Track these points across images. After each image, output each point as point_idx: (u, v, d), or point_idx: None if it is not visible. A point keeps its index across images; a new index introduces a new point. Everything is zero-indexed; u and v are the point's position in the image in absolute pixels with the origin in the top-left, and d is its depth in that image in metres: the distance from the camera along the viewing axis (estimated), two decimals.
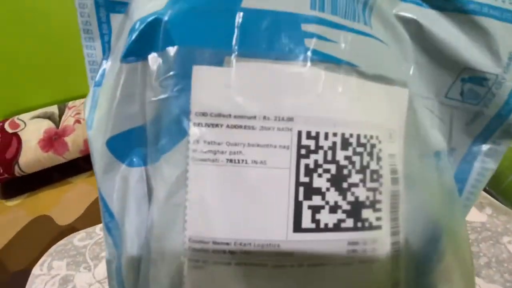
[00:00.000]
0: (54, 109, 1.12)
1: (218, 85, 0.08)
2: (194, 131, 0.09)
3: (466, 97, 0.10)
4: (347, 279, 0.08)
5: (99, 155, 0.11)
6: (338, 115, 0.08)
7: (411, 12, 0.09)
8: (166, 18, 0.09)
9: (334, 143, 0.08)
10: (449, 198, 0.11)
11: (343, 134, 0.08)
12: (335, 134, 0.08)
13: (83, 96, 1.18)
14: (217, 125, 0.08)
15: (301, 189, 0.08)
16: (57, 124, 1.07)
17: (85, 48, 0.11)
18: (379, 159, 0.09)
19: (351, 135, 0.08)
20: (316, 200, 0.08)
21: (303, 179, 0.08)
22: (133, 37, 0.09)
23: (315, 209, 0.08)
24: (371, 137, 0.09)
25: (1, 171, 0.99)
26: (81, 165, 1.08)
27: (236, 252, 0.08)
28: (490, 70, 0.09)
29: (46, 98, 1.15)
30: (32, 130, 1.03)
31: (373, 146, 0.09)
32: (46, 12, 1.06)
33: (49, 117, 1.09)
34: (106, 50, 0.11)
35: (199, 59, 0.08)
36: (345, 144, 0.08)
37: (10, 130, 1.05)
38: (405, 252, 0.09)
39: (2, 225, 0.98)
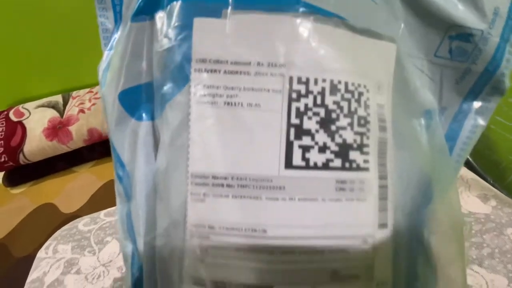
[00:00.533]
0: (58, 98, 1.13)
1: (217, 35, 0.09)
2: (195, 76, 0.09)
3: (455, 55, 0.10)
4: (336, 216, 0.09)
5: (111, 109, 0.12)
6: (327, 62, 0.09)
7: None
8: None
9: (323, 88, 0.09)
10: (440, 155, 0.11)
11: (331, 81, 0.09)
12: (324, 80, 0.09)
13: (87, 86, 1.18)
14: (215, 71, 0.09)
15: (292, 130, 0.09)
16: (61, 113, 1.07)
17: (99, 17, 0.11)
18: (366, 106, 0.09)
19: (339, 82, 0.09)
20: (306, 141, 0.09)
21: (294, 121, 0.09)
22: None
23: (305, 149, 0.09)
24: (359, 85, 0.09)
25: (6, 159, 1.00)
26: (85, 154, 1.09)
27: (233, 186, 0.09)
28: (476, 26, 0.10)
29: (50, 87, 1.15)
30: (36, 119, 1.04)
31: (360, 94, 0.09)
32: (52, 1, 1.05)
33: (53, 106, 1.10)
34: (118, 20, 0.11)
35: (200, 12, 0.09)
36: (334, 89, 0.09)
37: (14, 119, 1.05)
38: (392, 197, 0.10)
39: (7, 213, 0.99)
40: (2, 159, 1.00)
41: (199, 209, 0.09)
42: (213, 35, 0.09)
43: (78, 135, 1.02)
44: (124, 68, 0.10)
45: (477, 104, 0.11)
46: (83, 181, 1.02)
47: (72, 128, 1.02)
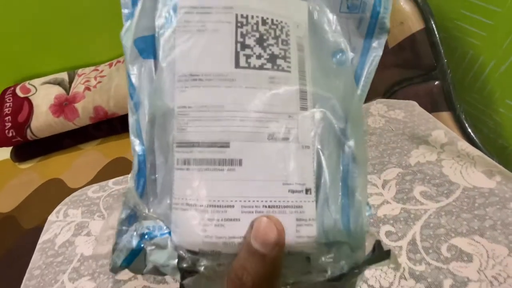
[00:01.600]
0: (64, 75, 1.13)
1: None
2: (179, 18, 0.15)
3: (351, 9, 0.15)
4: (268, 99, 0.14)
5: (129, 50, 0.16)
6: (259, 7, 0.14)
7: None
8: None
9: (257, 21, 0.14)
10: (349, 85, 0.16)
11: (262, 17, 0.14)
12: (257, 17, 0.14)
13: (93, 64, 1.17)
14: (191, 13, 0.14)
15: (239, 44, 0.14)
16: (67, 90, 1.08)
17: (122, 6, 0.16)
18: (287, 34, 0.14)
19: (267, 18, 0.14)
20: (248, 51, 0.14)
21: (239, 39, 0.14)
22: None
23: (247, 56, 0.14)
24: (281, 21, 0.14)
25: (14, 134, 1.01)
26: (91, 132, 1.10)
27: (202, 79, 0.14)
28: None
29: (56, 64, 1.15)
30: (43, 95, 1.04)
31: (283, 26, 0.14)
32: None
33: (59, 83, 1.10)
34: (136, 3, 0.16)
35: None
36: (264, 22, 0.14)
37: (21, 95, 1.06)
38: (311, 95, 0.15)
39: (15, 186, 1.02)
40: (10, 134, 1.01)
41: (182, 97, 0.14)
42: None
43: (84, 112, 1.02)
44: (139, 24, 0.15)
45: (373, 42, 0.16)
46: (90, 158, 1.04)
47: (78, 106, 1.03)
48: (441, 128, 0.44)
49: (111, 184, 0.47)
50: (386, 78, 0.71)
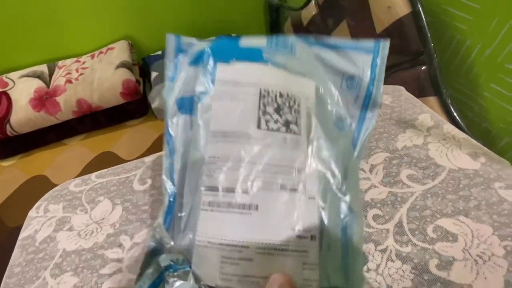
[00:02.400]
0: (43, 68, 1.08)
1: (228, 70, 0.20)
2: (216, 88, 0.19)
3: (350, 87, 0.19)
4: (281, 154, 0.17)
5: (170, 107, 0.20)
6: (277, 83, 0.18)
7: (315, 49, 0.20)
8: (208, 49, 0.20)
9: (276, 94, 0.18)
10: (347, 147, 0.19)
11: (279, 91, 0.18)
12: (276, 91, 0.18)
13: (73, 55, 1.13)
14: (226, 84, 0.19)
15: (261, 111, 0.18)
16: (47, 83, 1.03)
17: (166, 69, 0.21)
18: (299, 105, 0.18)
19: (283, 92, 0.18)
20: (267, 117, 0.18)
21: (262, 107, 0.18)
22: (194, 55, 0.20)
23: (267, 121, 0.18)
24: (294, 95, 0.18)
25: None
26: (75, 126, 1.06)
27: (230, 136, 0.17)
28: (355, 73, 0.19)
29: (34, 56, 1.09)
30: (21, 89, 1.00)
31: (295, 99, 0.18)
32: None
33: (38, 76, 1.05)
34: (178, 66, 0.21)
35: (219, 60, 0.20)
36: (281, 95, 0.18)
37: None
38: (315, 154, 0.18)
39: None
40: None
41: (213, 149, 0.17)
42: (227, 70, 0.19)
43: (66, 106, 0.98)
44: (182, 87, 0.20)
45: (367, 114, 0.20)
46: (75, 153, 1.01)
47: (60, 99, 0.99)
48: (427, 112, 0.44)
49: (94, 177, 0.46)
50: None
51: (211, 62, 0.19)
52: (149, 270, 0.17)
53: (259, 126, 0.17)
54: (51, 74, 1.06)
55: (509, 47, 0.55)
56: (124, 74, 0.98)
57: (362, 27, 0.71)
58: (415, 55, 0.60)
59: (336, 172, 0.18)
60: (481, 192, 0.33)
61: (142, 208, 0.40)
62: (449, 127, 0.42)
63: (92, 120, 1.05)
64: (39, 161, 1.03)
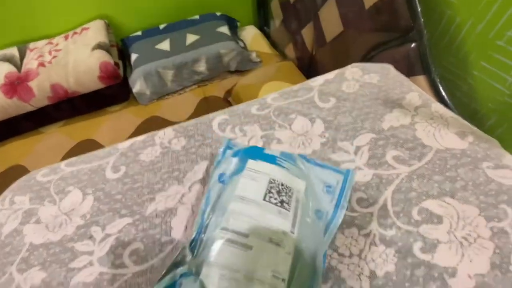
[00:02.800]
0: (13, 51, 1.00)
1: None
2: (248, 166, 0.31)
3: (328, 192, 0.30)
4: (275, 220, 0.27)
5: (214, 179, 0.32)
6: (281, 178, 0.29)
7: (308, 164, 0.33)
8: (243, 150, 0.35)
9: (279, 183, 0.28)
10: (320, 231, 0.27)
11: (281, 182, 0.29)
12: (279, 182, 0.29)
13: (45, 36, 1.05)
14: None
15: (267, 190, 0.28)
16: (18, 67, 0.96)
17: (216, 157, 0.35)
18: (292, 193, 0.28)
19: (284, 184, 0.28)
20: (271, 195, 0.28)
21: (268, 188, 0.28)
22: (236, 151, 0.35)
23: (270, 197, 0.28)
24: (290, 187, 0.28)
25: None
26: (52, 114, 1.01)
27: (245, 199, 0.28)
28: (332, 184, 0.31)
29: (3, 39, 1.01)
30: None
31: (290, 189, 0.28)
32: None
33: (8, 60, 0.98)
34: (224, 157, 0.35)
35: (250, 157, 0.32)
36: (282, 185, 0.28)
37: None
38: (298, 224, 0.27)
39: None
40: None
41: (233, 205, 0.27)
42: (254, 163, 0.31)
43: (40, 91, 0.92)
44: (223, 167, 0.32)
45: (338, 211, 0.29)
46: (53, 141, 0.96)
47: (33, 84, 0.92)
48: (415, 91, 0.42)
49: (63, 166, 0.43)
50: (363, 43, 0.67)
51: (245, 157, 0.31)
52: (168, 276, 0.24)
53: (264, 199, 0.27)
54: (22, 57, 0.99)
55: (501, 22, 0.53)
56: (101, 56, 0.92)
57: (350, 4, 0.67)
58: (404, 31, 0.57)
59: (310, 245, 0.26)
60: (468, 173, 0.32)
61: (115, 197, 0.37)
62: (437, 106, 0.40)
63: (70, 107, 0.99)
64: (16, 151, 0.98)
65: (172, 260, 0.25)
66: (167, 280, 0.24)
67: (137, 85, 0.97)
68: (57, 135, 0.98)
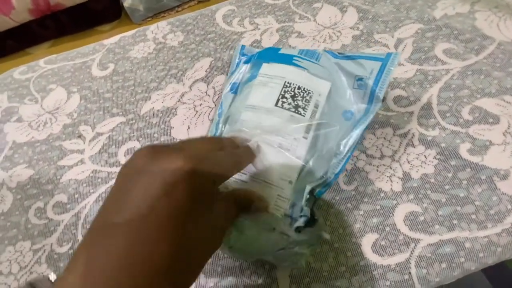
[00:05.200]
0: None
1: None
2: (261, 72, 0.27)
3: (360, 87, 0.24)
4: (288, 125, 0.23)
5: (226, 89, 0.28)
6: (298, 80, 0.25)
7: (336, 60, 0.26)
8: (256, 54, 0.29)
9: (295, 87, 0.24)
10: (347, 132, 0.23)
11: (298, 85, 0.24)
12: (296, 85, 0.24)
13: None
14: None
15: (280, 95, 0.24)
16: None
17: (231, 67, 0.31)
18: (310, 97, 0.24)
19: (301, 86, 0.24)
20: (284, 100, 0.24)
21: (282, 93, 0.24)
22: (249, 57, 0.30)
23: (283, 102, 0.24)
24: (309, 90, 0.24)
25: None
26: (37, 31, 0.90)
27: (256, 108, 0.24)
28: (364, 75, 0.24)
29: None
30: None
31: (309, 92, 0.24)
32: None
33: None
34: (238, 66, 0.30)
35: (265, 60, 0.27)
36: (298, 88, 0.24)
37: None
38: (314, 131, 0.23)
39: None
40: None
41: (245, 114, 0.24)
42: (269, 67, 0.26)
43: (19, 2, 0.80)
44: (236, 76, 0.29)
45: (371, 107, 0.23)
46: None
47: None
48: None
49: (42, 63, 0.37)
50: None
51: (257, 62, 0.27)
52: None
53: (276, 104, 0.23)
54: None
55: None
56: None
57: None
58: None
59: (325, 150, 0.23)
60: None
61: (104, 96, 0.32)
62: None
63: (55, 23, 0.88)
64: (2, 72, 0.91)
65: None
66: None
67: None
68: (46, 56, 0.89)
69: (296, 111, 0.23)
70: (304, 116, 0.23)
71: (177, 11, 0.89)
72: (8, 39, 0.89)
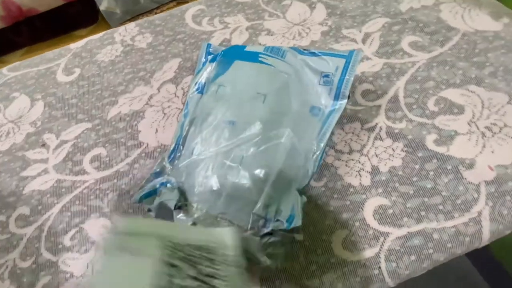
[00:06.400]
0: None
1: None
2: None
3: (325, 83, 0.24)
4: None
5: (192, 90, 0.27)
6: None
7: (302, 56, 0.26)
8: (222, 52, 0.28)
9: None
10: (315, 129, 0.23)
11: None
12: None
13: None
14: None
15: None
16: None
17: (196, 67, 0.29)
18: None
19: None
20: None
21: None
22: (214, 56, 0.28)
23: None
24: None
25: None
26: (11, 38, 0.87)
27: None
28: (329, 71, 0.25)
29: None
30: None
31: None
32: None
33: None
34: (204, 65, 0.28)
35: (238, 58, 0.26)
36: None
37: None
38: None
39: None
40: None
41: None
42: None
43: None
44: (202, 76, 0.27)
45: (337, 104, 0.24)
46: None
47: None
48: None
49: (5, 71, 0.35)
50: None
51: (223, 60, 0.26)
52: (149, 184, 0.23)
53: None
54: None
55: None
56: None
57: None
58: None
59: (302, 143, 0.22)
60: (499, 57, 0.26)
61: (69, 101, 0.31)
62: None
63: (30, 30, 0.86)
64: None
65: (151, 170, 0.24)
66: (147, 188, 0.22)
67: (105, 1, 0.82)
68: None
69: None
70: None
71: (156, 13, 0.88)
72: None
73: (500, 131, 0.23)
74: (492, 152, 0.22)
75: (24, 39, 0.87)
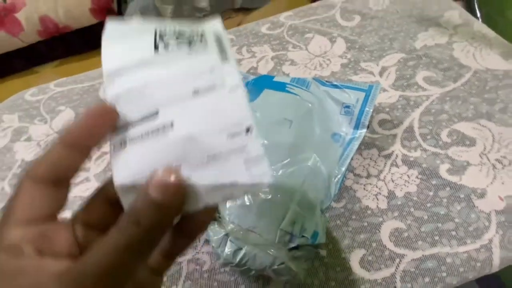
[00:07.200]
0: None
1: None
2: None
3: (347, 113, 0.27)
4: (188, 65, 0.14)
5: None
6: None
7: (325, 87, 0.29)
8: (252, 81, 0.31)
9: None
10: (333, 158, 0.26)
11: None
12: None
13: None
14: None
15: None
16: None
17: None
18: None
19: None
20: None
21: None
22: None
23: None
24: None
25: None
26: (45, 52, 0.94)
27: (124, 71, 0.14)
28: (350, 103, 0.27)
29: None
30: None
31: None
32: None
33: None
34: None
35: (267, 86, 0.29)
36: None
37: None
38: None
39: None
40: None
41: (110, 89, 0.14)
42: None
43: (29, 24, 0.85)
44: None
45: (357, 132, 0.27)
46: (48, 81, 0.91)
47: (21, 16, 0.84)
48: (455, 9, 0.36)
49: (52, 86, 0.39)
50: None
51: (253, 88, 0.28)
52: None
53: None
54: None
55: None
56: None
57: None
58: None
59: (325, 166, 0.25)
60: (509, 95, 0.28)
61: None
62: (479, 25, 0.34)
63: (63, 44, 0.92)
64: (9, 90, 0.94)
65: None
66: None
67: (135, 18, 0.88)
68: (52, 76, 0.93)
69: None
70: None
71: None
72: (16, 58, 0.93)
73: (509, 164, 0.24)
74: (502, 183, 0.24)
75: (57, 52, 0.94)
